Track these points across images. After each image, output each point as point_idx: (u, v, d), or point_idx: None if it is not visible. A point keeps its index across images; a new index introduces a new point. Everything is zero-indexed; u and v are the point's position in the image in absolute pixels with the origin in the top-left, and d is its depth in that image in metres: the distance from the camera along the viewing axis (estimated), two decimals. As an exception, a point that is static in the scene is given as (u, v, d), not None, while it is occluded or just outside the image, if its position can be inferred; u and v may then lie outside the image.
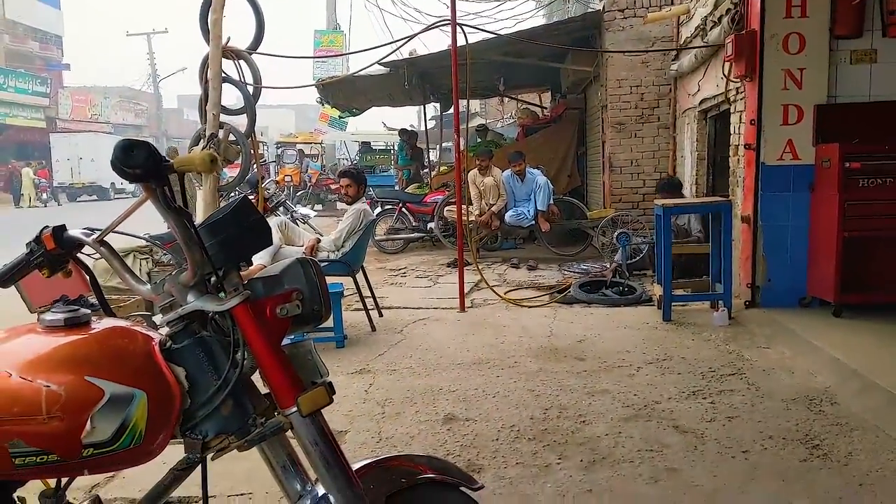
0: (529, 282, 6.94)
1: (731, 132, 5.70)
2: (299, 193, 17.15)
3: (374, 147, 21.76)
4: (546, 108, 13.40)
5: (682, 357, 4.20)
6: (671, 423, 3.16)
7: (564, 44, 8.93)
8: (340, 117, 18.69)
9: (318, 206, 17.00)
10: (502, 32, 8.94)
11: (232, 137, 5.69)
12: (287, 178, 17.72)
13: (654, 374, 3.90)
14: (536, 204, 8.50)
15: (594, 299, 5.90)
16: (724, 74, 5.58)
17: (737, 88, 5.50)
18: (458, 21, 5.90)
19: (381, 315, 5.50)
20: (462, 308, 5.70)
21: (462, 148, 6.98)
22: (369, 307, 5.23)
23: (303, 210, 7.62)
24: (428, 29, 6.57)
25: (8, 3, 32.78)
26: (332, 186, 18.43)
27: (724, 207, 5.15)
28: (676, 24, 7.69)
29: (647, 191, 8.17)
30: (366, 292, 5.32)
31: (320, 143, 23.20)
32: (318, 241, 5.23)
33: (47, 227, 1.39)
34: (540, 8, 23.33)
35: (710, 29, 6.09)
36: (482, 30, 8.44)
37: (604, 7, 8.35)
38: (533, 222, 8.57)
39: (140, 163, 1.11)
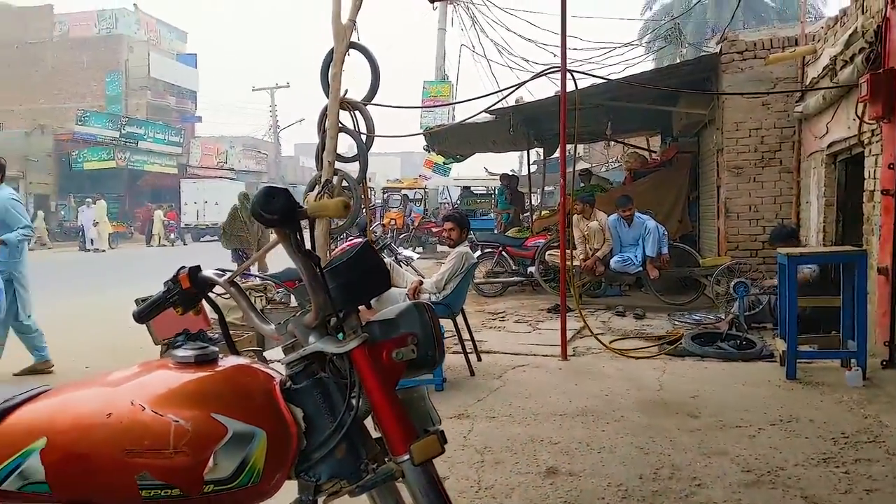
0: (636, 331, 6.69)
1: (866, 176, 5.32)
2: (402, 236, 17.57)
3: (474, 191, 22.04)
4: (655, 152, 13.12)
5: (809, 419, 3.87)
6: (799, 493, 2.90)
7: (677, 87, 8.75)
8: (445, 163, 19.10)
9: (419, 249, 17.32)
10: (612, 77, 8.89)
11: (345, 183, 5.94)
12: (391, 222, 18.21)
13: (778, 437, 3.60)
14: (645, 249, 8.25)
15: (709, 352, 5.58)
16: (856, 115, 5.25)
17: (872, 130, 5.15)
18: (567, 67, 5.92)
19: (479, 359, 5.45)
20: (564, 356, 5.56)
21: (567, 192, 6.92)
22: (468, 351, 5.21)
23: (406, 252, 7.78)
24: (538, 76, 6.64)
25: (153, 63, 36.28)
26: (434, 230, 18.75)
27: (859, 258, 4.75)
28: (801, 64, 7.36)
29: (767, 238, 7.74)
30: (465, 335, 5.31)
31: (424, 189, 23.76)
32: (421, 282, 5.29)
33: (184, 267, 1.48)
34: (650, 53, 23.18)
35: (841, 68, 5.78)
36: (593, 75, 8.41)
37: (721, 49, 8.13)
38: (640, 268, 8.30)
39: (279, 208, 1.16)
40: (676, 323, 7.02)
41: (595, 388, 4.62)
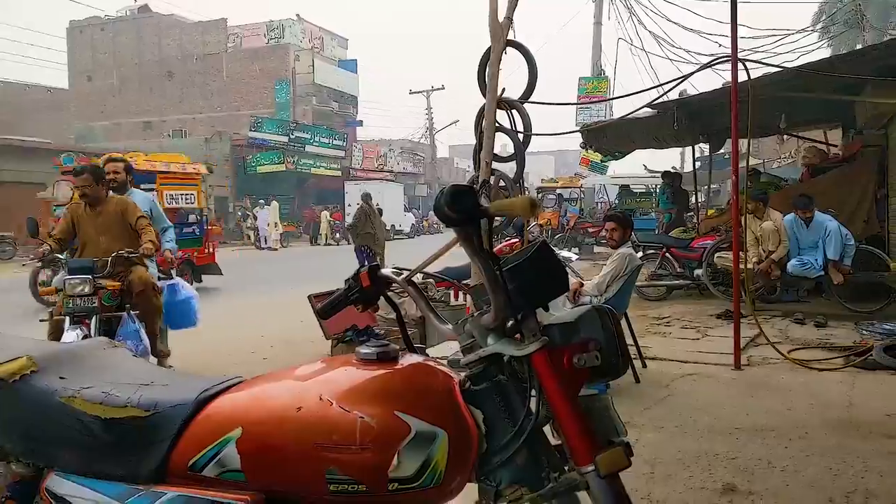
0: (818, 341, 6.09)
1: None
2: (557, 237, 17.33)
3: (633, 190, 21.25)
4: (836, 146, 11.89)
5: None
6: None
7: (863, 75, 7.84)
8: (602, 161, 18.61)
9: (575, 250, 16.99)
10: (787, 66, 8.15)
11: (501, 183, 5.93)
12: (547, 222, 18.02)
13: None
14: (826, 252, 7.48)
15: (906, 367, 4.95)
16: None
17: None
18: (738, 56, 5.50)
19: (644, 366, 5.21)
20: (737, 365, 5.17)
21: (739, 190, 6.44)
22: (632, 356, 4.99)
23: (565, 253, 7.62)
24: (706, 67, 6.24)
25: (317, 70, 38.83)
26: (591, 230, 18.30)
27: None
28: None
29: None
30: (628, 341, 5.09)
31: (580, 188, 23.30)
32: (581, 284, 5.16)
33: (364, 266, 1.52)
34: (826, 39, 21.04)
35: None
36: (767, 64, 7.77)
37: (916, 30, 7.18)
38: (821, 273, 7.54)
39: (464, 207, 1.14)
40: (864, 333, 6.29)
41: (774, 402, 4.26)
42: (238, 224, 28.71)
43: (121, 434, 1.36)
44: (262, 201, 26.95)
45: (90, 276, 4.40)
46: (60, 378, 1.47)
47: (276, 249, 24.87)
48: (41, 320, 4.71)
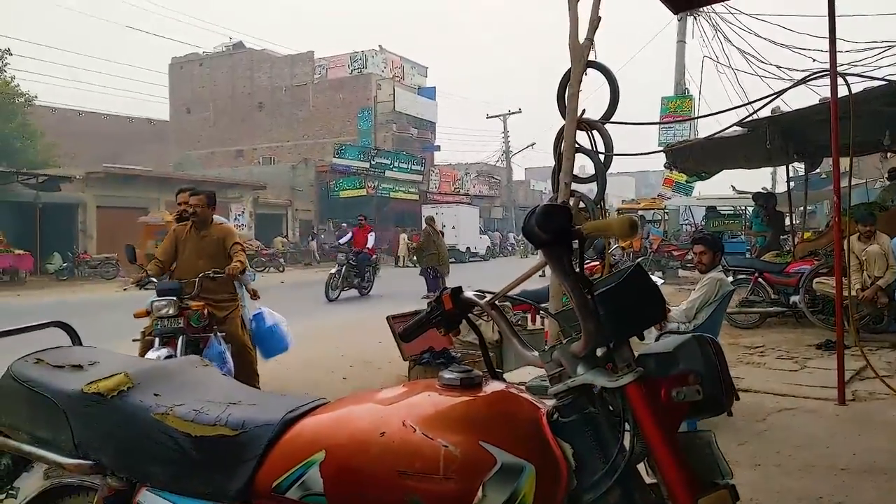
0: (934, 375, 5.59)
1: None
2: (639, 260, 16.82)
3: (721, 212, 20.44)
4: (949, 164, 11.05)
5: None
6: None
7: (980, 83, 7.26)
8: (687, 182, 18.01)
9: (659, 274, 16.46)
10: (891, 79, 7.65)
11: (581, 205, 5.80)
12: (628, 245, 17.54)
13: None
14: (941, 279, 6.91)
15: None
16: None
17: None
18: (838, 70, 5.20)
19: (737, 398, 4.91)
20: (841, 400, 4.80)
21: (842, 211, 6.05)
22: (726, 388, 4.72)
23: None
24: (803, 82, 5.95)
25: (397, 98, 39.80)
26: (675, 253, 17.70)
27: None
28: None
29: None
30: (720, 370, 4.83)
31: (663, 209, 22.62)
32: (668, 310, 4.94)
33: (447, 288, 1.49)
34: (934, 48, 19.71)
35: None
36: (869, 77, 7.32)
37: None
38: (936, 301, 6.97)
39: (557, 228, 1.08)
40: None
41: (884, 441, 3.92)
42: (321, 247, 29.46)
43: (209, 452, 1.37)
44: (344, 225, 27.61)
45: (175, 298, 4.50)
46: (155, 395, 1.51)
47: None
48: (134, 340, 4.89)
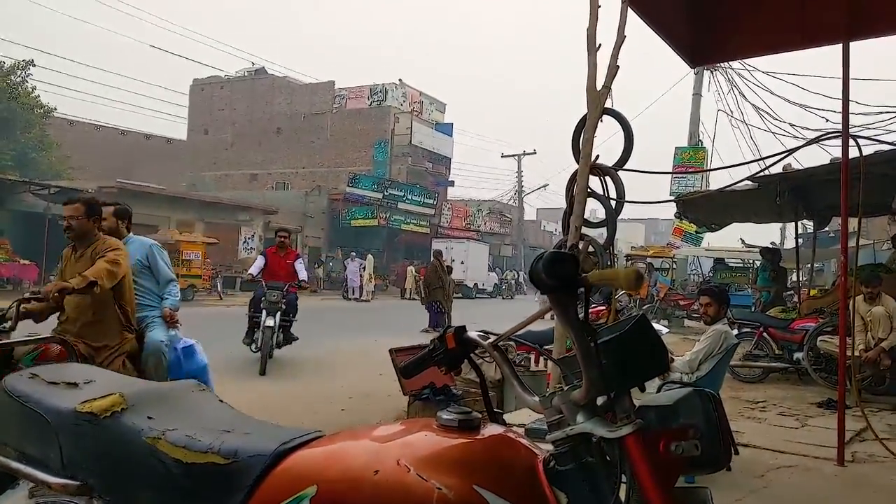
0: (937, 441, 5.50)
1: None
2: (645, 307, 16.76)
3: (729, 264, 20.40)
4: (958, 229, 11.03)
5: None
6: None
7: None
8: (697, 232, 18.02)
9: (665, 322, 16.37)
10: (903, 142, 7.69)
11: (591, 249, 5.82)
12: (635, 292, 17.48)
13: None
14: (948, 344, 6.85)
15: None
16: None
17: None
18: (850, 133, 5.24)
19: (737, 452, 4.82)
20: (840, 461, 4.72)
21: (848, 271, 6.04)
22: (725, 442, 4.66)
23: (655, 326, 7.36)
24: (815, 142, 5.99)
25: (415, 132, 40.25)
26: (682, 303, 17.63)
27: None
28: None
29: None
30: (721, 424, 4.77)
31: (672, 258, 22.60)
32: (672, 360, 4.91)
33: (451, 327, 1.49)
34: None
35: None
36: (881, 141, 7.38)
37: None
38: (941, 367, 6.89)
39: (563, 275, 1.09)
40: None
41: (884, 506, 3.84)
42: (328, 275, 29.51)
43: (200, 480, 1.36)
44: (353, 253, 27.68)
45: None
46: (148, 418, 1.50)
47: (368, 300, 25.39)
48: None
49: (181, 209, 26.22)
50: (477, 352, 1.54)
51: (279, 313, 8.29)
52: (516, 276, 38.18)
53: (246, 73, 45.77)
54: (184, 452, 1.38)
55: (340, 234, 32.94)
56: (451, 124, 45.50)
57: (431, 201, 36.64)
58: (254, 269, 8.82)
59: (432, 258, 14.85)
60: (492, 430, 1.29)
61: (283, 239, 9.14)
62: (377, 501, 1.16)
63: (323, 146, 41.69)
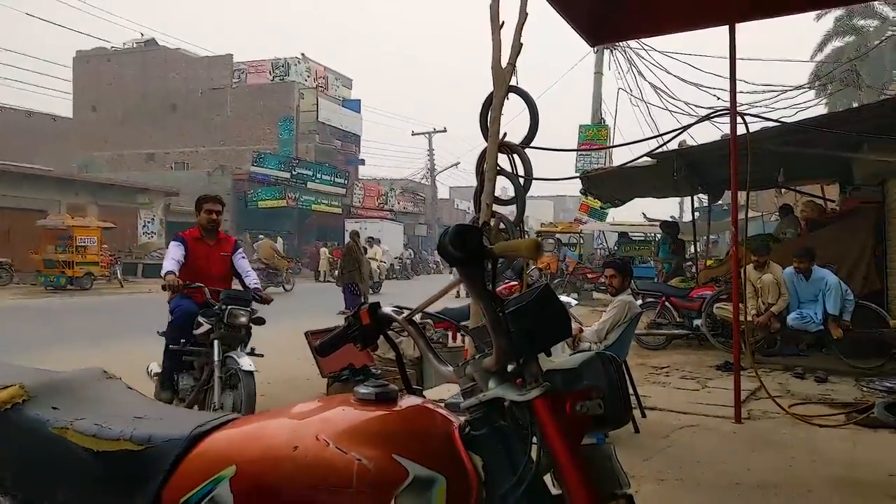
0: (819, 396, 6.02)
1: None
2: (556, 282, 17.31)
3: (632, 237, 21.33)
4: (833, 201, 12.01)
5: None
6: None
7: (859, 132, 7.96)
8: (601, 208, 18.73)
9: (574, 295, 16.97)
10: (785, 121, 8.27)
11: (501, 226, 5.95)
12: (546, 267, 18.02)
13: None
14: (826, 307, 7.47)
15: (907, 426, 4.88)
16: None
17: None
18: (737, 110, 5.58)
19: (644, 416, 5.14)
20: (737, 419, 5.10)
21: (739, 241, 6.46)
22: (632, 406, 4.92)
23: (564, 298, 7.59)
24: (705, 119, 6.33)
25: (321, 109, 39.29)
26: (589, 276, 18.29)
27: None
28: None
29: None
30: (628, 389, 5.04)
31: (579, 233, 23.39)
32: (581, 330, 5.12)
33: (365, 303, 1.51)
34: (822, 97, 21.39)
35: None
36: (765, 118, 7.89)
37: (912, 91, 7.33)
38: (821, 327, 7.51)
39: (470, 247, 1.13)
40: (865, 389, 6.24)
41: (775, 458, 4.18)
42: None
43: (113, 467, 1.33)
44: (261, 236, 26.93)
45: None
46: (53, 408, 1.45)
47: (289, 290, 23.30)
48: None
49: (72, 192, 24.65)
50: (392, 327, 1.56)
51: (243, 346, 4.96)
52: (411, 255, 36.04)
53: (135, 45, 42.91)
54: (94, 441, 1.34)
55: (248, 216, 31.93)
56: (359, 100, 44.71)
57: (342, 181, 36.07)
58: (172, 266, 4.97)
59: (348, 239, 14.60)
60: (409, 401, 1.32)
61: (213, 215, 5.40)
62: (297, 477, 1.17)
63: (224, 124, 39.85)
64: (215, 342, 4.69)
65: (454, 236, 1.11)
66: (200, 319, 4.82)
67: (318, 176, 34.45)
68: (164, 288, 4.88)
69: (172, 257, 5.07)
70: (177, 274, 4.92)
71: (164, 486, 1.27)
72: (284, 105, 38.95)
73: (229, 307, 4.75)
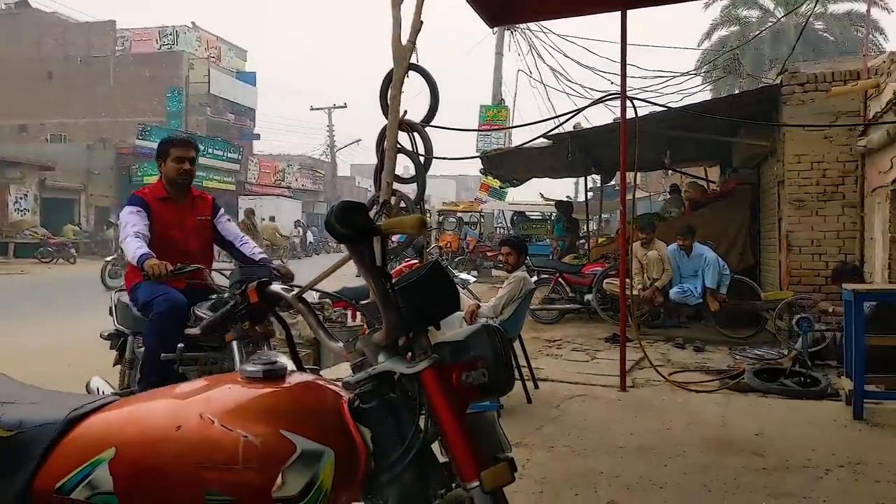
0: (696, 364, 6.48)
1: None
2: (457, 259, 17.57)
3: (530, 216, 21.94)
4: (714, 182, 12.85)
5: (879, 462, 3.66)
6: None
7: (738, 118, 8.56)
8: (501, 188, 19.12)
9: (474, 273, 17.29)
10: (671, 106, 8.74)
11: (402, 204, 5.96)
12: (447, 244, 18.25)
13: (847, 480, 3.42)
14: (705, 281, 8.02)
15: (772, 389, 5.35)
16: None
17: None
18: (627, 94, 5.84)
19: (536, 387, 5.35)
20: (623, 387, 5.41)
21: (626, 220, 6.80)
22: (525, 377, 5.12)
23: (463, 276, 7.72)
24: (598, 102, 6.58)
25: (213, 80, 37.43)
26: (489, 253, 18.68)
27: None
28: (864, 97, 7.11)
29: (830, 274, 7.43)
30: (521, 362, 5.22)
31: (479, 212, 23.78)
32: (478, 306, 5.24)
33: (252, 281, 1.49)
34: (707, 83, 22.74)
35: (906, 102, 5.55)
36: (653, 103, 8.30)
37: (781, 81, 7.92)
38: (700, 300, 8.07)
39: (355, 223, 1.14)
40: (738, 357, 6.78)
41: (655, 422, 4.48)
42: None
43: None
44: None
45: None
46: None
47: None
48: None
49: (-68, 166, 22.40)
50: (281, 305, 1.55)
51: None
52: (300, 233, 32.51)
53: (4, 6, 39.27)
54: None
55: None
56: (254, 73, 42.99)
57: (236, 156, 34.61)
58: (141, 245, 3.43)
59: (243, 217, 14.14)
60: (298, 377, 1.32)
61: (185, 164, 3.85)
62: (181, 456, 1.15)
63: (106, 94, 36.85)
64: (234, 344, 2.53)
65: (340, 213, 1.12)
66: (200, 313, 3.21)
67: (210, 151, 32.80)
68: (144, 278, 3.27)
69: (136, 231, 3.53)
70: (145, 255, 3.28)
71: (37, 473, 1.21)
72: (173, 76, 36.66)
73: (236, 281, 2.85)
